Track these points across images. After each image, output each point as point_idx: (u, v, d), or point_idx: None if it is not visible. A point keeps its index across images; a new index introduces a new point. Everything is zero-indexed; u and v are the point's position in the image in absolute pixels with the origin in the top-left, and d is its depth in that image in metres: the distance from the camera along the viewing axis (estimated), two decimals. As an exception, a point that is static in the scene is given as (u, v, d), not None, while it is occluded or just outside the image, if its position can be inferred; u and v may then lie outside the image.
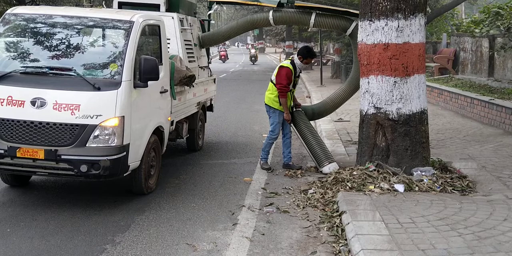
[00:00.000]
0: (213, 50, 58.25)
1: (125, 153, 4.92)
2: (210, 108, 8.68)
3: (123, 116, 4.88)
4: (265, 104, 6.90)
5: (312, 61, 6.84)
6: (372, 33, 5.71)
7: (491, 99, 9.27)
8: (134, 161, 5.12)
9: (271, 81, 6.81)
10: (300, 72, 6.95)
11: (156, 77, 5.21)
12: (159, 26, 5.86)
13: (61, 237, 4.45)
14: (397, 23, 5.58)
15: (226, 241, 4.39)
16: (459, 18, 23.65)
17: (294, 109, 6.99)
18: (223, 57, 39.96)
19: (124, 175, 5.07)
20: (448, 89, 11.64)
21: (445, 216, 4.51)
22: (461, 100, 10.66)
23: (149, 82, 5.20)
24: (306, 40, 28.13)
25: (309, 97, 15.55)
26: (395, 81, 5.67)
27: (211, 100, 8.59)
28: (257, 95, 15.86)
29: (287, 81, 6.58)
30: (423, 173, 5.62)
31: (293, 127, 6.91)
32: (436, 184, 5.44)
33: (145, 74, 5.08)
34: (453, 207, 4.77)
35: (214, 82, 8.80)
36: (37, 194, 5.67)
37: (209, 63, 8.70)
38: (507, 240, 3.92)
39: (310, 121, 7.15)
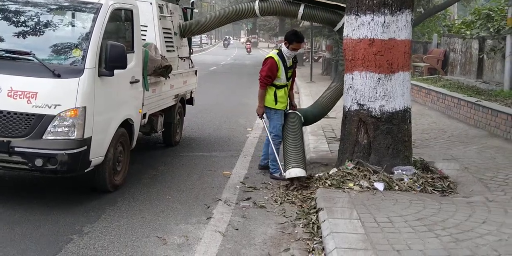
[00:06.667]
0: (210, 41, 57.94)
1: (86, 147, 4.55)
2: (190, 101, 8.35)
3: (85, 107, 4.51)
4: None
5: (302, 48, 6.03)
6: (358, 28, 5.59)
7: (477, 101, 9.22)
8: (97, 156, 4.76)
9: None
10: (296, 62, 6.33)
11: (123, 66, 4.85)
12: (132, 11, 5.51)
13: (27, 225, 4.30)
14: (384, 19, 5.47)
15: (198, 235, 4.26)
16: (452, 19, 23.67)
17: (288, 110, 6.38)
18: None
19: (85, 171, 4.70)
20: (436, 89, 11.58)
21: (423, 217, 4.42)
22: (448, 101, 10.61)
23: (117, 71, 4.82)
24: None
25: (298, 93, 15.45)
26: (379, 78, 5.56)
27: (191, 93, 8.26)
28: (246, 89, 15.75)
29: (266, 73, 6.00)
30: (404, 172, 5.53)
31: (265, 125, 6.36)
32: (416, 184, 5.35)
33: (111, 61, 4.69)
34: (432, 207, 4.68)
35: (195, 74, 8.49)
36: (7, 180, 5.51)
37: (190, 53, 8.41)
38: (485, 243, 3.83)
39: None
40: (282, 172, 5.80)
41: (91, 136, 4.66)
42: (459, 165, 6.28)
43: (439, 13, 19.16)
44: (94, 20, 4.85)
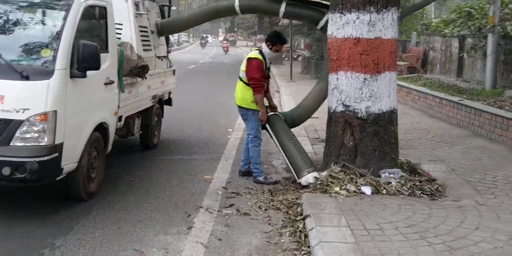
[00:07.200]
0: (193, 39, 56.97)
1: (57, 154, 4.28)
2: (169, 102, 8.09)
3: (56, 111, 4.23)
4: (239, 106, 5.93)
5: (282, 50, 5.73)
6: (342, 26, 5.40)
7: (460, 100, 9.15)
8: (69, 163, 4.49)
9: (240, 79, 5.92)
10: (270, 63, 6.09)
11: (96, 66, 4.59)
12: (105, 8, 5.25)
13: (-6, 239, 4.00)
14: (369, 17, 5.29)
15: (179, 247, 4.00)
16: (429, 18, 23.77)
17: (269, 112, 6.05)
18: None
19: (57, 179, 4.44)
20: (417, 88, 11.51)
21: (414, 223, 4.25)
22: (430, 100, 10.54)
23: (90, 72, 4.57)
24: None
25: (278, 92, 15.28)
26: (365, 78, 5.38)
27: (169, 93, 7.99)
28: (225, 88, 15.47)
29: (260, 74, 5.71)
30: (391, 175, 5.36)
31: (270, 132, 6.02)
32: (404, 187, 5.19)
33: (83, 62, 4.43)
34: (422, 212, 4.51)
35: (174, 74, 8.23)
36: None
37: (168, 52, 8.14)
38: (480, 251, 3.67)
39: None
40: (266, 176, 5.45)
41: (63, 142, 4.38)
42: (446, 167, 6.15)
43: (416, 11, 19.18)
44: (65, 18, 4.58)
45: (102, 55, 4.88)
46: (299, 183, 5.45)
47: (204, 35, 59.37)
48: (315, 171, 5.46)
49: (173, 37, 52.39)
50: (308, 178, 5.39)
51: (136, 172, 6.10)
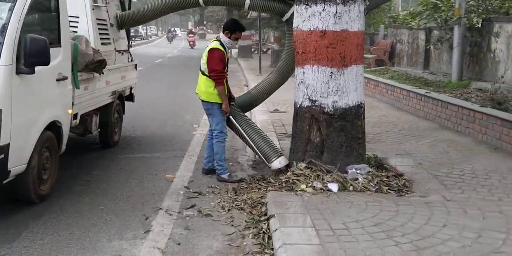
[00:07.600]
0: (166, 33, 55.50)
1: (3, 155, 4.01)
2: (130, 97, 7.79)
3: (1, 110, 3.97)
4: (203, 101, 5.69)
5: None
6: (308, 18, 5.22)
7: (427, 92, 9.13)
8: (17, 164, 4.22)
9: (202, 72, 5.68)
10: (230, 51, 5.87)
11: (45, 61, 4.32)
12: (58, 0, 4.97)
13: None
14: (335, 9, 5.11)
15: (134, 253, 3.75)
16: (396, 10, 23.87)
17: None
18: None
19: (4, 182, 4.15)
20: (384, 81, 11.46)
21: (380, 221, 4.11)
22: (397, 93, 10.50)
23: (40, 68, 4.29)
24: (246, 27, 27.51)
25: (247, 86, 15.05)
26: (331, 72, 5.21)
27: (131, 88, 7.70)
28: (193, 81, 14.96)
29: (222, 66, 5.52)
30: (358, 171, 5.23)
31: (234, 123, 5.84)
32: (371, 183, 5.05)
33: (31, 57, 4.15)
34: (389, 210, 4.39)
35: (135, 68, 7.94)
36: None
37: (129, 46, 7.84)
38: (448, 250, 3.55)
39: None
40: (230, 173, 5.25)
41: (9, 143, 4.09)
42: (413, 161, 6.06)
43: (384, 4, 19.19)
44: (11, 10, 4.28)
45: (54, 50, 4.63)
46: (270, 167, 5.57)
47: (171, 29, 57.43)
48: (282, 155, 5.60)
49: (143, 30, 51.33)
50: (280, 160, 5.52)
51: (94, 171, 5.80)
